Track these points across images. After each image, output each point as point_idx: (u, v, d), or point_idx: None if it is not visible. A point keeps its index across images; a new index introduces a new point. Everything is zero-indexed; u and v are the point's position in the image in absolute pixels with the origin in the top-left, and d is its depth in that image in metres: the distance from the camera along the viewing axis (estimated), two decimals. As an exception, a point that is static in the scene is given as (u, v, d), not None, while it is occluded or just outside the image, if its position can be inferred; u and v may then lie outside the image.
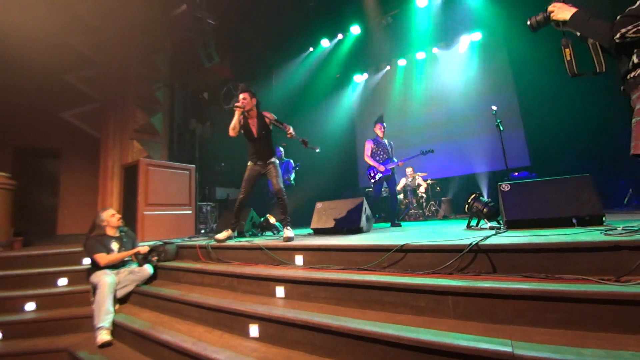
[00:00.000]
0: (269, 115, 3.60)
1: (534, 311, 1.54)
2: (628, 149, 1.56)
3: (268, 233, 4.55)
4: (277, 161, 3.74)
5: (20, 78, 5.64)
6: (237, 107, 3.51)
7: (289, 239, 3.17)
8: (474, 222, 3.23)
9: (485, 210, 3.05)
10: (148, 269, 3.40)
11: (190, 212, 5.59)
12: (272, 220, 4.51)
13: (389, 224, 5.04)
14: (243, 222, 4.24)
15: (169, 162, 5.79)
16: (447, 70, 8.68)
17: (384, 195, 7.57)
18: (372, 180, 5.07)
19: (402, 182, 7.29)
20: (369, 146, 5.10)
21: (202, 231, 6.21)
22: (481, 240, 2.03)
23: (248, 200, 3.68)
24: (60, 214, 6.34)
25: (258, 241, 3.31)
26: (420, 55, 8.95)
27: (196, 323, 2.56)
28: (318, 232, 3.86)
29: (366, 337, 1.66)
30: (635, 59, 1.27)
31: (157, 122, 6.16)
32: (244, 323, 2.20)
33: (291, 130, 3.36)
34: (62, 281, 3.64)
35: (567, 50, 1.55)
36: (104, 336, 2.74)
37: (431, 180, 7.31)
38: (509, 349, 1.30)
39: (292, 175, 6.14)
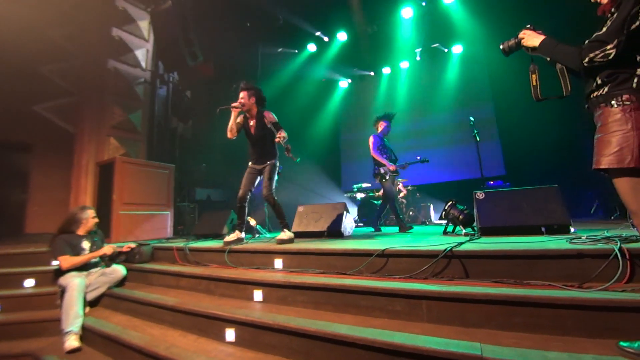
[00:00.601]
0: (269, 116, 3.44)
1: (502, 315, 1.61)
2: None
3: (248, 235, 4.50)
4: (277, 163, 3.53)
5: (-11, 67, 5.36)
6: (233, 106, 3.38)
7: (282, 241, 3.10)
8: (450, 229, 3.33)
9: (461, 217, 3.14)
10: (121, 270, 3.28)
11: (168, 212, 5.46)
12: (252, 222, 4.47)
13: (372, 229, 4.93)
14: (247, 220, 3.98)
15: (148, 160, 5.64)
16: (429, 80, 8.94)
17: (361, 199, 7.68)
18: (384, 180, 4.50)
19: (384, 188, 7.39)
20: (376, 141, 4.59)
21: (180, 232, 6.07)
22: (455, 246, 2.10)
23: (246, 199, 3.47)
24: (29, 211, 6.02)
25: (249, 244, 3.27)
26: (404, 65, 9.17)
27: (170, 327, 2.49)
28: (299, 235, 3.86)
29: (342, 340, 1.68)
30: (598, 80, 1.37)
31: (136, 119, 5.99)
32: (219, 327, 2.16)
33: (283, 135, 3.22)
34: (29, 282, 3.46)
35: (533, 75, 1.66)
36: (72, 342, 2.61)
37: (411, 186, 7.45)
38: (478, 352, 1.35)
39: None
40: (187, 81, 7.40)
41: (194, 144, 7.60)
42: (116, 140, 5.67)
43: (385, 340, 1.55)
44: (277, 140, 3.24)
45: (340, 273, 2.34)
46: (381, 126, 4.79)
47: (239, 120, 3.52)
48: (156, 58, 6.46)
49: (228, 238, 3.37)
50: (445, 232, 3.34)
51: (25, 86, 5.77)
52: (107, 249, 3.30)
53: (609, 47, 1.27)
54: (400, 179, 7.40)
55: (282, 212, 3.44)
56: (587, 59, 1.33)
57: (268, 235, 4.58)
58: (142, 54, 6.19)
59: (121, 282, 3.30)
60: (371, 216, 7.43)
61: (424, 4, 7.39)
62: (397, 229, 5.16)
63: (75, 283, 2.89)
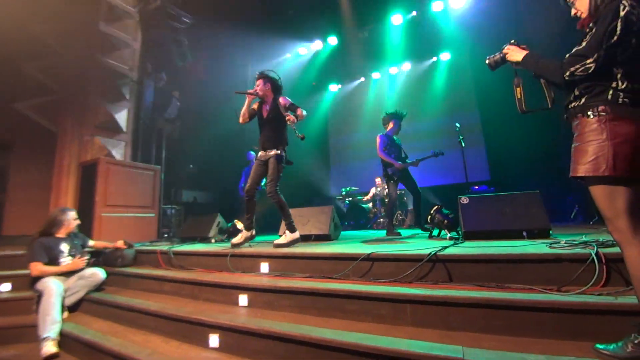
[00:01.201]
0: (284, 101, 3.32)
1: (484, 318, 1.63)
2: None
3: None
4: (283, 154, 3.37)
5: (-34, 62, 5.18)
6: (249, 92, 3.34)
7: (279, 245, 3.05)
8: (435, 233, 3.38)
9: (446, 221, 3.19)
10: (100, 273, 3.19)
11: (153, 215, 5.36)
12: (239, 225, 4.42)
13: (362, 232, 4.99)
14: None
15: (133, 161, 5.53)
16: (417, 86, 9.08)
17: (349, 202, 7.72)
18: (392, 181, 4.40)
19: (372, 192, 7.45)
20: (383, 141, 4.50)
21: (165, 235, 5.96)
22: (439, 250, 2.13)
23: (254, 191, 3.37)
24: (7, 212, 5.82)
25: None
26: (393, 70, 9.29)
27: (153, 333, 2.43)
28: (286, 239, 3.84)
29: (327, 345, 1.68)
30: (576, 91, 1.42)
31: (122, 119, 5.86)
32: (203, 333, 2.13)
33: (299, 112, 3.17)
34: (5, 287, 3.33)
35: (518, 89, 1.72)
36: (49, 347, 2.52)
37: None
38: (459, 356, 1.37)
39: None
40: (176, 81, 7.30)
41: (181, 145, 7.50)
42: (100, 140, 5.53)
43: (370, 345, 1.55)
44: (287, 119, 3.12)
45: (326, 277, 2.34)
46: (390, 125, 4.69)
47: (254, 106, 3.47)
48: (144, 57, 6.35)
49: (235, 240, 3.30)
50: (431, 236, 3.38)
51: (6, 83, 5.58)
52: (80, 263, 3.16)
53: (588, 61, 1.32)
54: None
55: (288, 210, 3.31)
56: (568, 73, 1.38)
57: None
58: (129, 52, 6.08)
59: (101, 286, 3.21)
60: (359, 219, 7.49)
61: (414, 12, 7.52)
62: (383, 232, 5.15)
63: (52, 288, 2.80)
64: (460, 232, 3.12)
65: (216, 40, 7.60)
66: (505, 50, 1.68)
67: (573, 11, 1.51)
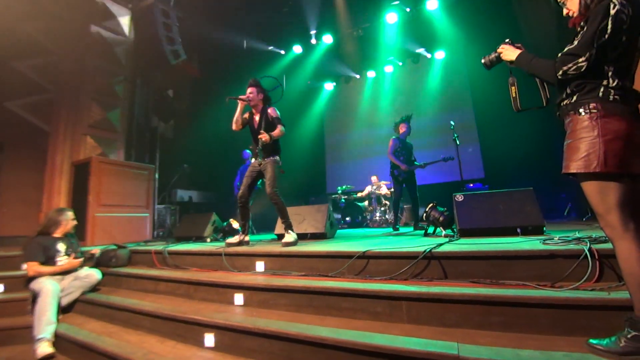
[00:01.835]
0: (272, 113, 3.44)
1: (479, 315, 1.64)
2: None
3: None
4: (278, 159, 3.46)
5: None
6: (241, 99, 3.36)
7: (288, 244, 3.02)
8: (431, 230, 3.39)
9: (441, 219, 3.21)
10: (95, 274, 3.16)
11: (147, 214, 5.32)
12: (235, 225, 4.41)
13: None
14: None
15: (126, 161, 5.48)
16: (412, 84, 9.10)
17: (345, 201, 7.73)
18: (397, 182, 4.72)
19: (368, 189, 7.46)
20: (394, 144, 4.74)
21: (161, 233, 5.93)
22: (434, 247, 2.13)
23: (248, 198, 3.42)
24: (-1, 213, 5.74)
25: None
26: (388, 69, 9.30)
27: (148, 333, 2.42)
28: (282, 237, 3.83)
29: (323, 343, 1.67)
30: (568, 89, 1.43)
31: (115, 118, 5.81)
32: (199, 332, 2.12)
33: (277, 132, 3.28)
34: (-2, 288, 3.29)
35: (512, 88, 1.73)
36: (44, 348, 2.50)
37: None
38: (455, 352, 1.37)
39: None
40: (169, 80, 7.23)
41: (175, 144, 7.44)
42: (93, 140, 5.48)
43: (366, 342, 1.56)
44: (260, 137, 3.21)
45: (322, 275, 2.34)
46: (402, 129, 4.88)
47: (245, 115, 3.51)
48: (137, 56, 6.29)
49: (230, 240, 3.32)
50: (426, 234, 3.39)
51: (-3, 81, 5.50)
52: (76, 262, 3.15)
53: (580, 60, 1.33)
54: (383, 181, 7.49)
55: (286, 211, 3.38)
56: (560, 72, 1.39)
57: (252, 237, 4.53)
58: (122, 51, 6.01)
59: (96, 287, 3.18)
60: (355, 218, 7.51)
61: (408, 9, 7.52)
62: (379, 230, 5.30)
63: (48, 288, 2.77)
64: (455, 229, 3.14)
65: (210, 39, 7.54)
66: (499, 50, 1.69)
67: (565, 11, 1.52)
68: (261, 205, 5.96)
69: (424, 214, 3.39)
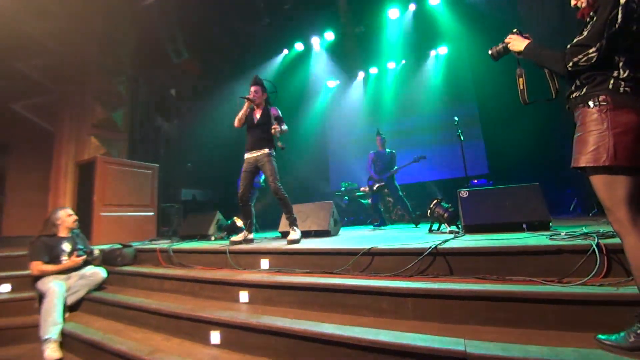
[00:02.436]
0: (275, 112, 3.53)
1: (485, 311, 1.63)
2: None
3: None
4: (273, 153, 3.45)
5: (-39, 63, 5.12)
6: (247, 98, 3.42)
7: (293, 241, 3.01)
8: (435, 227, 3.37)
9: (445, 215, 3.19)
10: (101, 273, 3.18)
11: (151, 213, 5.34)
12: (238, 223, 4.41)
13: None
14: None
15: (130, 160, 5.50)
16: (415, 80, 9.03)
17: (348, 198, 7.72)
18: (371, 190, 5.45)
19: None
20: (369, 158, 5.47)
21: (166, 232, 5.95)
22: (440, 244, 2.12)
23: (248, 196, 3.44)
24: (5, 214, 5.79)
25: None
26: (391, 65, 9.24)
27: (154, 331, 2.43)
28: (286, 235, 3.83)
29: (328, 340, 1.67)
30: (578, 82, 1.41)
31: (118, 117, 5.83)
32: (204, 330, 2.13)
33: (283, 127, 3.35)
34: (5, 287, 3.32)
35: (520, 79, 1.69)
36: (52, 352, 2.51)
37: (397, 185, 7.51)
38: (461, 348, 1.36)
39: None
40: (172, 79, 7.25)
41: (179, 143, 7.46)
42: (97, 140, 5.51)
43: (372, 339, 1.55)
44: (272, 130, 3.27)
45: (326, 272, 2.34)
46: (377, 142, 5.53)
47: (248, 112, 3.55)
48: (139, 55, 6.30)
49: (234, 237, 3.33)
50: (430, 230, 3.38)
51: (1, 83, 5.53)
52: (78, 260, 3.15)
53: (591, 50, 1.30)
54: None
55: (291, 206, 3.36)
56: (571, 64, 1.36)
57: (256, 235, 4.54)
58: (125, 51, 6.02)
59: (101, 285, 3.21)
60: (359, 215, 7.49)
61: (412, 5, 7.46)
62: (382, 227, 5.31)
63: (54, 289, 2.79)
64: (460, 225, 3.11)
65: (212, 37, 7.53)
66: (507, 40, 1.66)
67: (573, 2, 1.49)
68: (264, 203, 5.97)
69: (428, 210, 3.37)
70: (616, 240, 1.68)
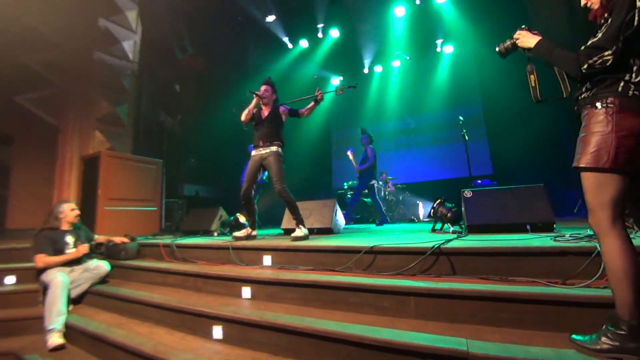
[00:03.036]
0: (284, 110, 3.63)
1: (488, 311, 1.63)
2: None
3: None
4: (281, 152, 3.43)
5: (-33, 56, 5.14)
6: (256, 94, 3.46)
7: (298, 238, 3.01)
8: (438, 226, 3.37)
9: (449, 214, 3.18)
10: (104, 266, 3.21)
11: (155, 208, 5.36)
12: (241, 219, 4.43)
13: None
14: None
15: (134, 155, 5.53)
16: (420, 79, 9.00)
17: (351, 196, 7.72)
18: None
19: (373, 183, 7.42)
20: (370, 153, 5.82)
21: (169, 227, 5.97)
22: (443, 243, 2.12)
23: (251, 194, 3.43)
24: (10, 206, 5.83)
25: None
26: (396, 63, 9.20)
27: (157, 325, 2.45)
28: (289, 232, 3.84)
29: (330, 337, 1.68)
30: (589, 84, 1.40)
31: (123, 112, 5.84)
32: (207, 324, 2.14)
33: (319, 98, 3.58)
34: (10, 279, 3.35)
35: (531, 76, 1.65)
36: (55, 339, 2.55)
37: (400, 184, 7.51)
38: (464, 348, 1.36)
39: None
40: (176, 74, 7.25)
41: (182, 138, 7.47)
42: (101, 134, 5.53)
43: (374, 337, 1.56)
44: (322, 94, 3.64)
45: (329, 270, 2.34)
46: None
47: (255, 109, 3.58)
48: (144, 50, 6.30)
49: (237, 233, 3.34)
50: (433, 230, 3.37)
51: (6, 76, 5.55)
52: (84, 248, 3.19)
53: (607, 53, 1.28)
54: (390, 177, 7.46)
55: (297, 207, 3.35)
56: (586, 65, 1.34)
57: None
58: (130, 45, 6.03)
59: (105, 279, 3.23)
60: (362, 213, 7.49)
61: (418, 2, 7.41)
62: (385, 226, 5.31)
63: (58, 280, 2.82)
64: (463, 225, 3.11)
65: (217, 33, 7.53)
66: (516, 36, 1.62)
67: (583, 1, 1.47)
68: (266, 200, 5.97)
69: (431, 210, 3.37)
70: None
